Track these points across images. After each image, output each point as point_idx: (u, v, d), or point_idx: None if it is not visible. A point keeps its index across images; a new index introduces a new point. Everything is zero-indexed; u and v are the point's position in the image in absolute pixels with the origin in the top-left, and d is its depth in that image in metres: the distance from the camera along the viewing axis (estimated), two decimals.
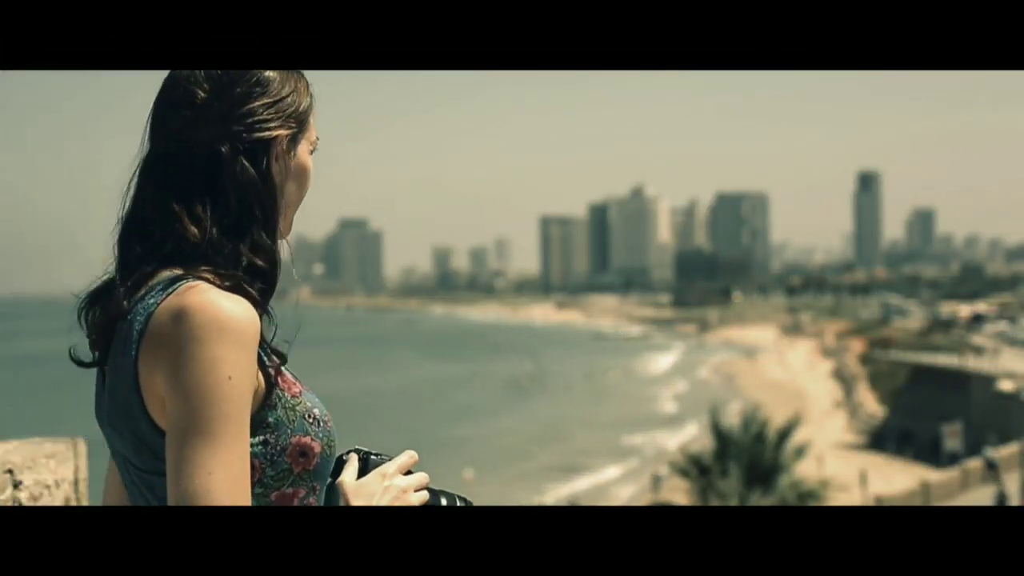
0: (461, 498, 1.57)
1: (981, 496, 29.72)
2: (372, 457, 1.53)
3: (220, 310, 1.29)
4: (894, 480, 38.07)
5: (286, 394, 1.38)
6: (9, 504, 2.23)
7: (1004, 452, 34.87)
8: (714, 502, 24.79)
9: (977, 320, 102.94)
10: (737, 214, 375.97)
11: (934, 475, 34.22)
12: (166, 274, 1.36)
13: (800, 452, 26.49)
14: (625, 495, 39.45)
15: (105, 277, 1.45)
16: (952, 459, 38.92)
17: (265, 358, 1.36)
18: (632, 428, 56.56)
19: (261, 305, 1.37)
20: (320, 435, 1.41)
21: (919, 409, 51.65)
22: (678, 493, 29.36)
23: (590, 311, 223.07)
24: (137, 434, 1.35)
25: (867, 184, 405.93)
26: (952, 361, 58.06)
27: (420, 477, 1.52)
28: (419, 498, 1.51)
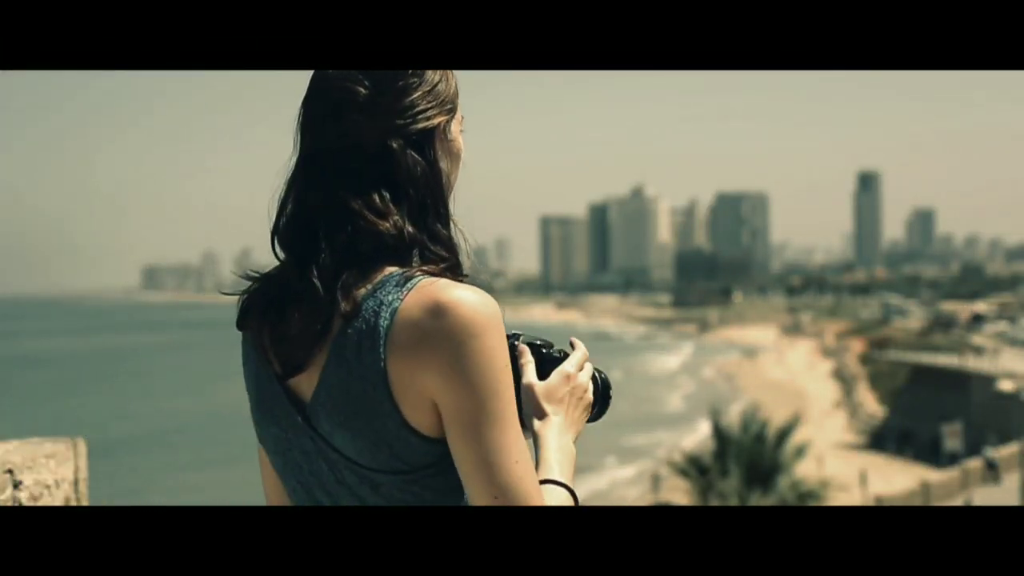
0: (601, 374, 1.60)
1: (981, 496, 29.72)
2: (545, 352, 1.54)
3: (480, 303, 1.33)
4: (894, 480, 38.08)
5: None
6: (9, 504, 2.22)
7: (1004, 452, 34.88)
8: (714, 502, 24.79)
9: (977, 320, 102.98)
10: (737, 214, 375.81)
11: (934, 475, 34.21)
12: (390, 271, 1.37)
13: (800, 452, 26.48)
14: (624, 494, 39.43)
15: (251, 283, 1.45)
16: (952, 459, 38.91)
17: None
18: (631, 428, 56.55)
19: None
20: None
21: (919, 409, 51.65)
22: (678, 493, 29.35)
23: (590, 311, 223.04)
24: (378, 432, 1.35)
25: (867, 184, 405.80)
26: (952, 361, 58.06)
27: (583, 357, 1.57)
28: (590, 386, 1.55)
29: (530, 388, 1.51)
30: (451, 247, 1.44)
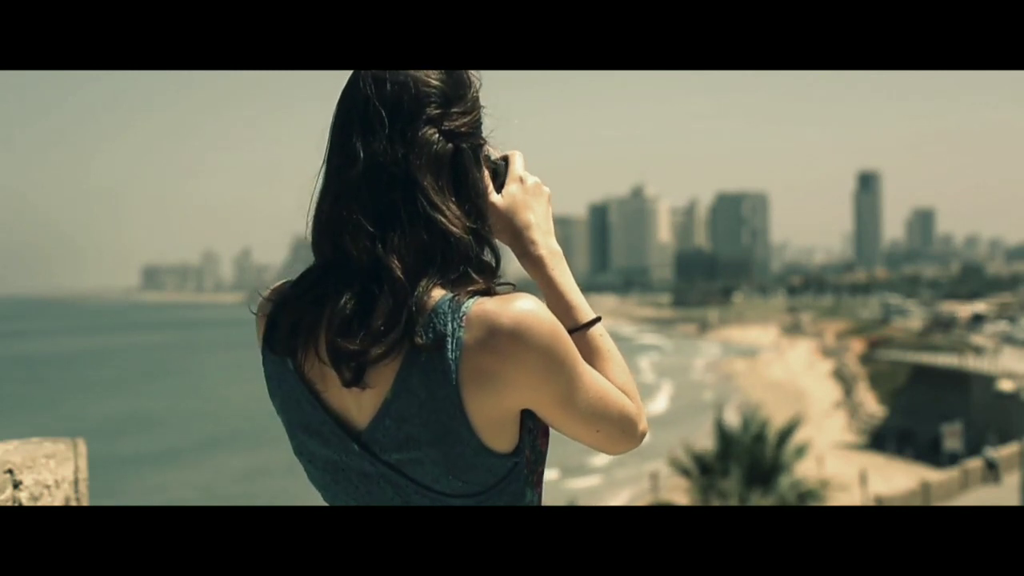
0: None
1: (981, 496, 29.72)
2: (492, 163, 1.57)
3: (533, 306, 1.37)
4: (894, 480, 38.05)
5: None
6: (9, 504, 2.22)
7: (1004, 452, 34.86)
8: (714, 502, 24.79)
9: (977, 320, 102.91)
10: (737, 214, 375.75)
11: (934, 475, 34.18)
12: (440, 293, 1.37)
13: (800, 452, 26.47)
14: (622, 494, 39.42)
15: (273, 299, 1.46)
16: (952, 459, 38.89)
17: None
18: None
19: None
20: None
21: (919, 409, 51.63)
22: (678, 493, 29.35)
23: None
24: (456, 459, 1.37)
25: (867, 184, 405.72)
26: (952, 361, 57.99)
27: (523, 160, 1.60)
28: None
29: (495, 205, 1.54)
30: (497, 254, 1.47)
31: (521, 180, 1.57)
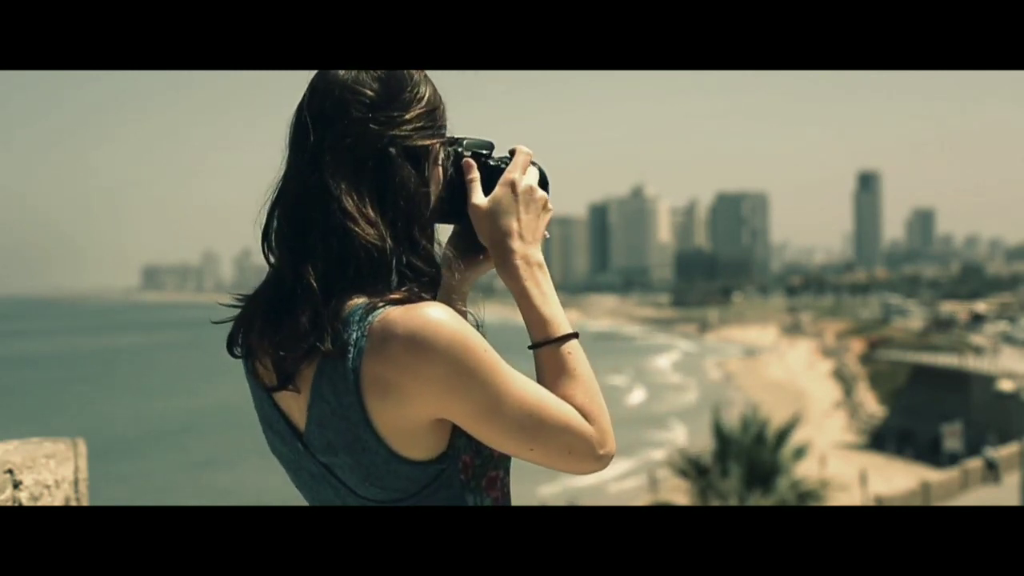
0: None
1: (981, 496, 29.71)
2: (491, 163, 1.50)
3: (436, 315, 1.32)
4: (894, 480, 38.05)
5: None
6: (9, 504, 2.22)
7: (1004, 452, 34.85)
8: (714, 502, 24.77)
9: (977, 320, 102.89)
10: (737, 214, 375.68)
11: (934, 475, 34.18)
12: (357, 301, 1.35)
13: (800, 452, 26.45)
14: (620, 492, 39.42)
15: (240, 306, 1.45)
16: (952, 459, 38.89)
17: None
18: (630, 427, 56.54)
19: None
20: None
21: (919, 409, 51.61)
22: (678, 493, 29.33)
23: (590, 311, 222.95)
24: (368, 466, 1.36)
25: (867, 184, 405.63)
26: (952, 361, 57.97)
27: (526, 160, 1.52)
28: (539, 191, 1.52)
29: (478, 208, 1.49)
30: (432, 261, 1.42)
31: (513, 184, 1.50)
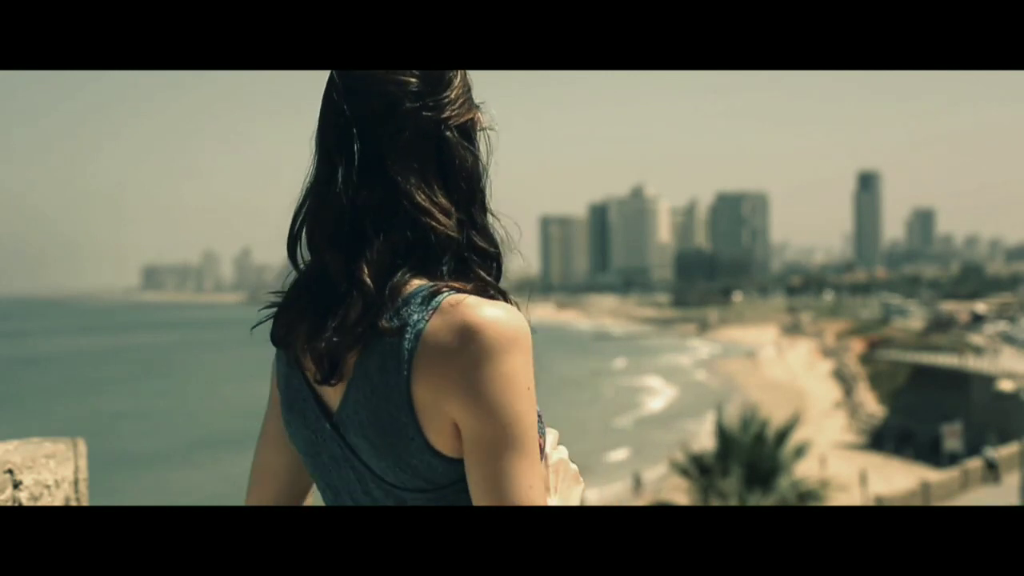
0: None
1: (981, 496, 29.71)
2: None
3: (506, 324, 1.30)
4: (894, 480, 38.07)
5: None
6: (9, 504, 2.22)
7: (1004, 452, 34.87)
8: (714, 502, 24.78)
9: (977, 320, 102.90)
10: (737, 214, 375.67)
11: (934, 475, 34.20)
12: (418, 283, 1.35)
13: (800, 452, 26.47)
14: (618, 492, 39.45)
15: (281, 299, 1.44)
16: (952, 459, 38.92)
17: None
18: (628, 426, 56.54)
19: (518, 308, 1.37)
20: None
21: (919, 409, 51.64)
22: (678, 493, 29.34)
23: (590, 311, 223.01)
24: (402, 453, 1.34)
25: (867, 184, 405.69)
26: (952, 361, 58.00)
27: (556, 438, 1.51)
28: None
29: None
30: (494, 241, 1.43)
31: (547, 457, 1.46)
